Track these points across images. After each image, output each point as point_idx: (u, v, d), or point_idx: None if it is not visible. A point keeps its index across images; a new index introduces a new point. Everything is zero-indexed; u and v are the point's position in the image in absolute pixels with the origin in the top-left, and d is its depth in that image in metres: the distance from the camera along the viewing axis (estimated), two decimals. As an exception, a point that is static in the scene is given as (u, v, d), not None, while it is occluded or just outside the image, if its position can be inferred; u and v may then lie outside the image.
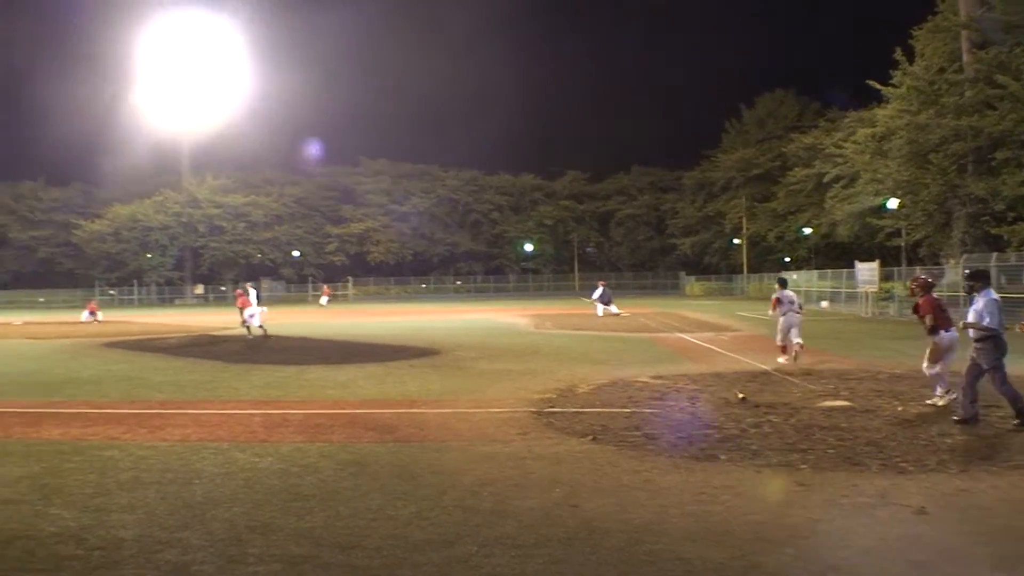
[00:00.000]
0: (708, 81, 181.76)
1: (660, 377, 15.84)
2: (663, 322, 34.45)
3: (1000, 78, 38.93)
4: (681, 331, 28.35)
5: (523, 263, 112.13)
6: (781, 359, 18.36)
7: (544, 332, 29.90)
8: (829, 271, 52.32)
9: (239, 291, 32.58)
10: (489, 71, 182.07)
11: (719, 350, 21.63)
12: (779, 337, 18.85)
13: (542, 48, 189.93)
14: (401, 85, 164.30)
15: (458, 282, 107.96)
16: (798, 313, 18.96)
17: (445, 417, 12.03)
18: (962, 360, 11.30)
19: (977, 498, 7.34)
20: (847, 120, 63.21)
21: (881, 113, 47.46)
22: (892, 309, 37.78)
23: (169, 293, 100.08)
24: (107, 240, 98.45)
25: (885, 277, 41.01)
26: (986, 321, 10.50)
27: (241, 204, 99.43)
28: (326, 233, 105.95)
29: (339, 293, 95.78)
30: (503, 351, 22.27)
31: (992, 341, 10.57)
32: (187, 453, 9.66)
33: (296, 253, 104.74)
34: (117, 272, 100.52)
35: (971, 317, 10.74)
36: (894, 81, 45.12)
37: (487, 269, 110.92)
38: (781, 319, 18.81)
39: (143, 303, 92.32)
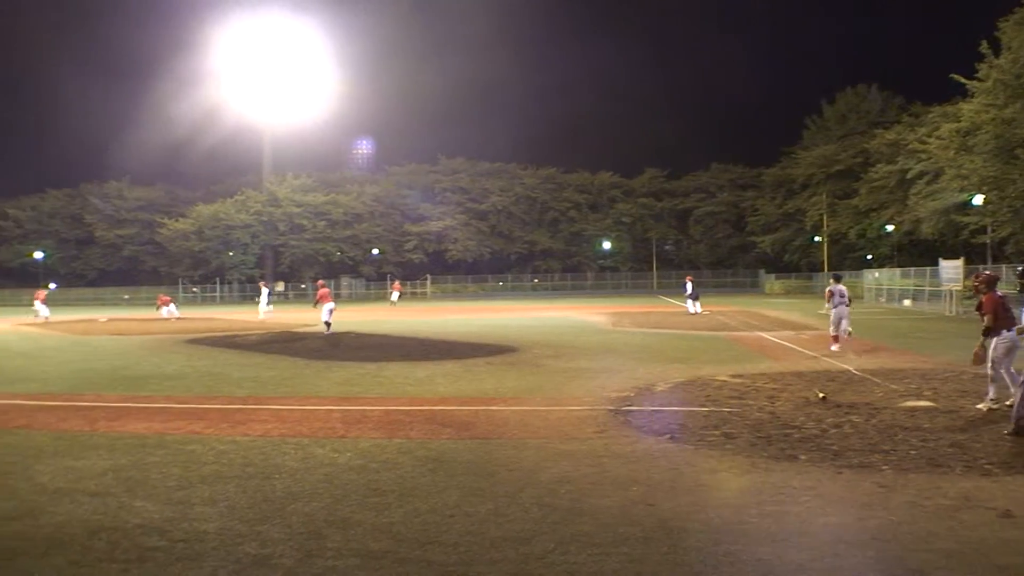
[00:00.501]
0: (789, 76, 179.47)
1: (739, 376, 15.70)
2: (742, 320, 34.14)
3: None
4: (760, 329, 28.08)
5: (601, 261, 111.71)
6: (834, 347, 20.50)
7: (622, 330, 29.78)
8: (912, 269, 51.38)
9: (320, 282, 33.09)
10: (563, 69, 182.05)
11: (799, 349, 21.37)
12: (832, 328, 21.05)
13: (617, 46, 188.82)
14: (479, 83, 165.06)
15: (535, 280, 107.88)
16: (847, 306, 21.14)
17: (522, 415, 12.06)
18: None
19: (1065, 502, 7.18)
20: (931, 115, 62.01)
21: (966, 107, 46.40)
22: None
23: (250, 290, 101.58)
24: (190, 238, 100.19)
25: (970, 275, 40.17)
26: None
27: (321, 203, 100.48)
28: (405, 231, 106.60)
29: (417, 291, 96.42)
30: (580, 349, 22.24)
31: None
32: (268, 448, 9.82)
33: (375, 251, 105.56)
34: (200, 270, 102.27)
35: None
36: (980, 75, 44.00)
37: (565, 267, 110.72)
38: (833, 311, 21.03)
39: (225, 300, 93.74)
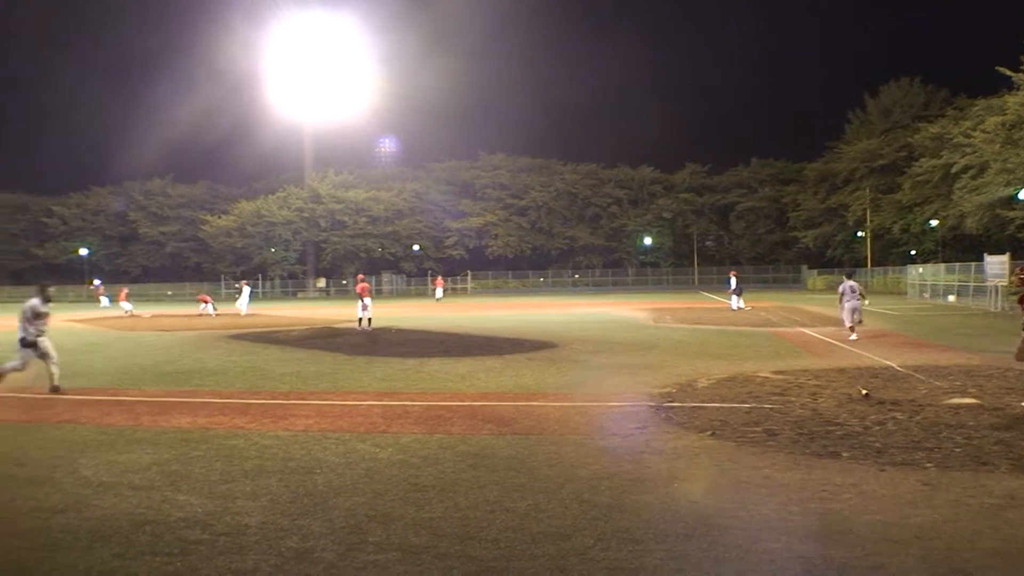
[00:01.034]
0: (831, 70, 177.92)
1: (781, 372, 15.60)
2: (784, 316, 33.92)
3: None
4: (803, 325, 27.87)
5: (642, 257, 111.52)
6: (852, 336, 22.47)
7: (663, 326, 29.68)
8: (957, 264, 50.76)
9: (360, 276, 33.27)
10: (601, 64, 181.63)
11: (841, 345, 21.20)
12: (847, 319, 23.12)
13: (656, 39, 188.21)
14: (520, 80, 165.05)
15: (576, 276, 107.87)
16: (859, 300, 23.22)
17: (563, 410, 12.06)
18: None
19: (1114, 500, 7.08)
20: (976, 108, 61.22)
21: (1012, 100, 45.85)
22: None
23: (292, 286, 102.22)
24: (232, 235, 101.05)
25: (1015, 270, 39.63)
26: None
27: (362, 199, 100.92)
28: (445, 227, 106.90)
29: (458, 286, 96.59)
30: (621, 345, 22.19)
31: None
32: (309, 443, 9.87)
33: (416, 247, 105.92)
34: (242, 266, 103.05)
35: None
36: (1025, 67, 43.50)
37: (605, 263, 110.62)
38: (846, 304, 23.11)
39: (267, 296, 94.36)
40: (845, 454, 8.81)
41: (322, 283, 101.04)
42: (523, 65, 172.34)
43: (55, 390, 14.29)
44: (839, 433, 9.85)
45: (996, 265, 38.98)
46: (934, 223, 73.37)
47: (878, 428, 10.09)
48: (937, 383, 13.88)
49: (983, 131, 50.94)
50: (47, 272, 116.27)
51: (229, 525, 6.66)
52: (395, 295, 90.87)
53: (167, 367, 18.79)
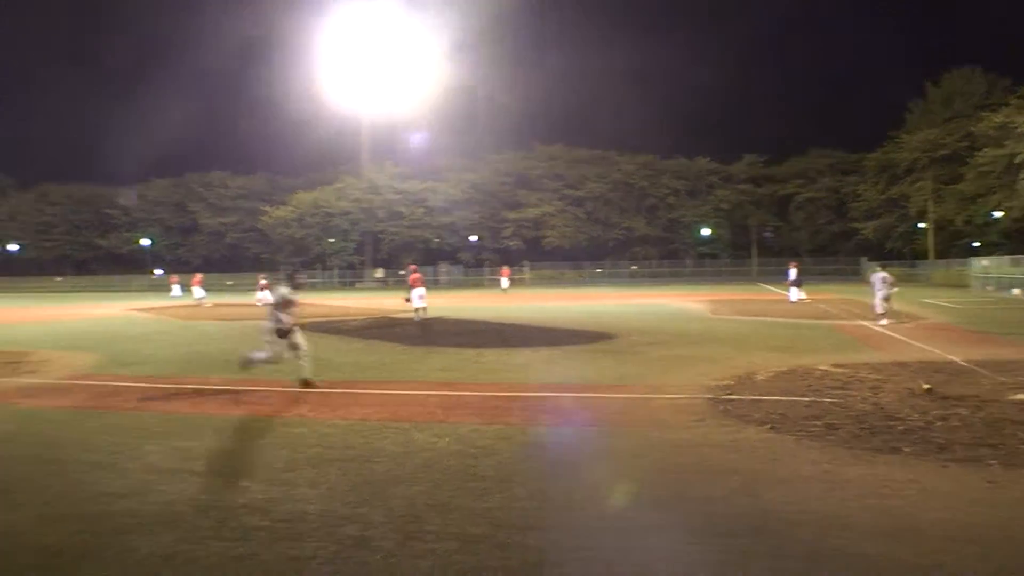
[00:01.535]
0: (892, 58, 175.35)
1: (841, 366, 15.42)
2: (844, 309, 33.54)
3: None
4: (863, 318, 27.53)
5: (699, 248, 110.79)
6: (883, 322, 24.55)
7: (721, 318, 29.50)
8: (1022, 257, 49.89)
9: (413, 266, 33.42)
10: (664, 54, 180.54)
11: (903, 338, 20.91)
12: (878, 307, 25.66)
13: (711, 30, 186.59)
14: (577, 70, 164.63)
15: (633, 267, 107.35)
16: (889, 289, 25.82)
17: (621, 402, 12.04)
18: None
19: None
20: (1040, 96, 60.10)
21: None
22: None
23: (350, 277, 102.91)
24: (291, 226, 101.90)
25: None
26: None
27: (419, 190, 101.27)
28: (502, 218, 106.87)
29: (515, 277, 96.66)
30: (679, 337, 22.08)
31: None
32: (368, 432, 9.95)
33: (473, 238, 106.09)
34: (301, 257, 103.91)
35: None
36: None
37: (662, 254, 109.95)
38: (877, 294, 25.80)
39: (325, 287, 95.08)
40: (907, 450, 8.70)
41: (380, 273, 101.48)
42: (578, 55, 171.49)
43: (305, 384, 13.74)
44: (901, 428, 9.73)
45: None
46: (998, 214, 72.14)
47: (940, 424, 9.95)
48: (1001, 378, 13.64)
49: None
50: (110, 262, 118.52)
51: (289, 512, 6.74)
52: (452, 286, 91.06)
53: (229, 355, 18.97)
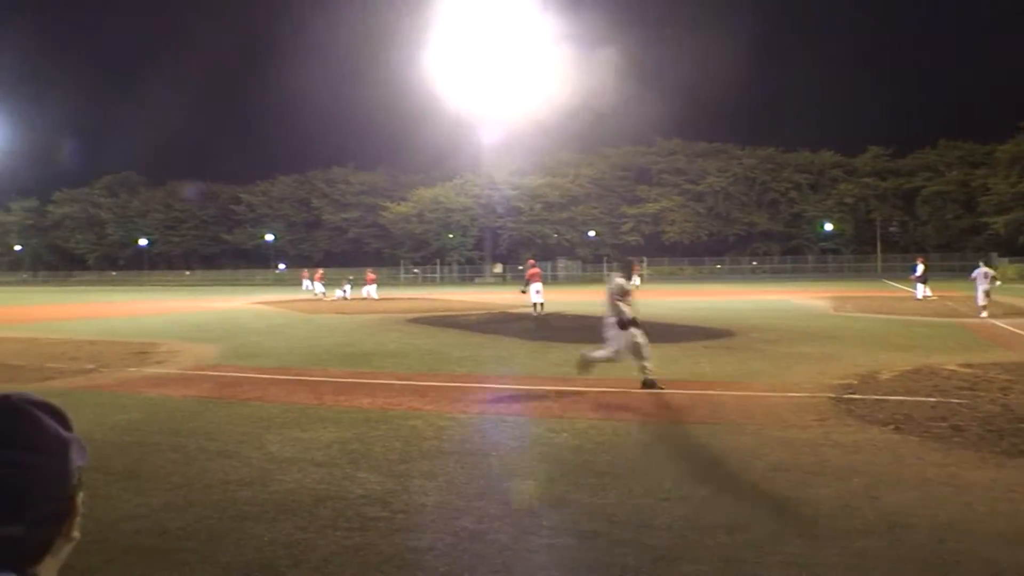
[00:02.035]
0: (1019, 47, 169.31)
1: (969, 366, 14.95)
2: (972, 306, 32.55)
3: None
4: (992, 316, 26.69)
5: (822, 243, 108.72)
6: (983, 314, 26.42)
7: (844, 315, 28.89)
8: None
9: (531, 260, 33.48)
10: (773, 43, 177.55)
11: (1036, 338, 20.21)
12: (980, 300, 27.28)
13: (837, 17, 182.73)
14: (698, 64, 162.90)
15: (754, 263, 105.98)
16: (990, 283, 27.57)
17: (740, 400, 11.88)
18: None
19: None
20: None
21: None
22: None
23: (469, 271, 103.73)
24: (411, 221, 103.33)
25: None
26: None
27: (537, 185, 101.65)
28: (621, 213, 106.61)
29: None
30: (800, 334, 21.69)
31: None
32: (485, 425, 10.02)
33: (591, 233, 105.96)
34: (421, 252, 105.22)
35: None
36: None
37: (784, 249, 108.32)
38: (980, 287, 27.30)
39: (444, 281, 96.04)
40: (1038, 453, 8.40)
41: (498, 268, 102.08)
42: (698, 49, 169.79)
43: (649, 384, 12.78)
44: (1032, 431, 9.40)
45: None
46: None
47: (1075, 426, 9.58)
48: None
49: None
50: (236, 257, 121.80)
51: (407, 503, 6.81)
52: (570, 281, 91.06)
53: (348, 349, 19.32)
